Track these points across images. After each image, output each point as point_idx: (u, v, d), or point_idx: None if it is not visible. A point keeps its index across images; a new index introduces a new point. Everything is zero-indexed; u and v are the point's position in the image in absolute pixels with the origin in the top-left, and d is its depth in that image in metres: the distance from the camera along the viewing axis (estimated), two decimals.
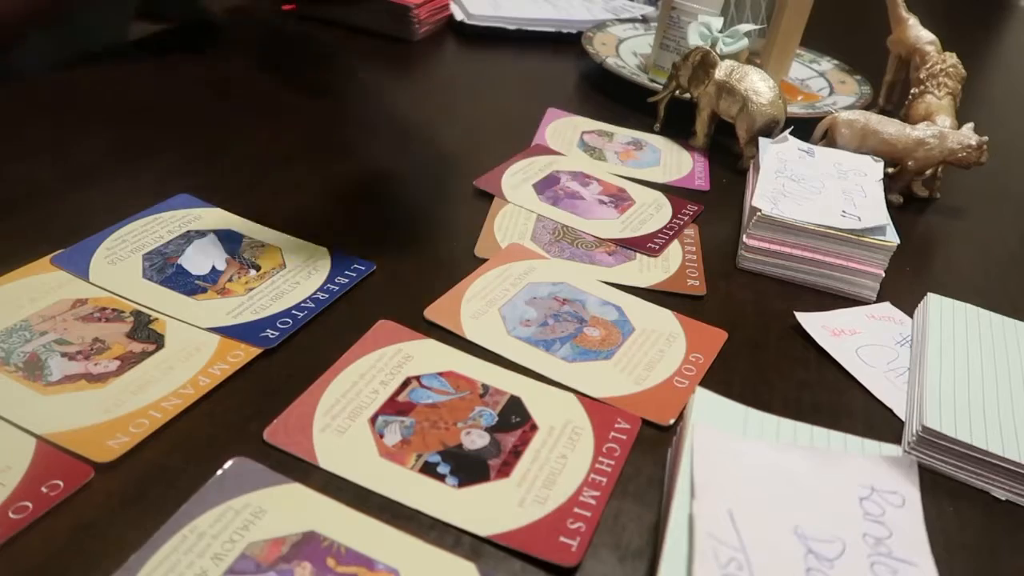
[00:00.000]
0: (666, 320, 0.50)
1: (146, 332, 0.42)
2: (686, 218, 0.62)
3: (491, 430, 0.39)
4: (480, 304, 0.48)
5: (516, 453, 0.38)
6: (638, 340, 0.47)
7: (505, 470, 0.37)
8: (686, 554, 0.31)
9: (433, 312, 0.47)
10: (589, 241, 0.57)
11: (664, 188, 0.67)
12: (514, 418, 0.40)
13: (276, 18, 0.92)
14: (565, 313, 0.48)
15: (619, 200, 0.64)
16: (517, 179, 0.63)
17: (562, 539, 0.34)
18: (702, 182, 0.69)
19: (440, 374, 0.42)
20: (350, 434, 0.38)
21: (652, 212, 0.63)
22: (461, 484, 0.36)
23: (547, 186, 0.63)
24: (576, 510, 0.36)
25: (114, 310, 0.44)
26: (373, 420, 0.39)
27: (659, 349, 0.47)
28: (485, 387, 0.42)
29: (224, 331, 0.43)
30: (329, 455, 0.36)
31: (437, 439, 0.38)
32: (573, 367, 0.44)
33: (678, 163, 0.71)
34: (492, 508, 0.35)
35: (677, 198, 0.65)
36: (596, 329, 0.48)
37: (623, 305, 0.50)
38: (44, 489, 0.33)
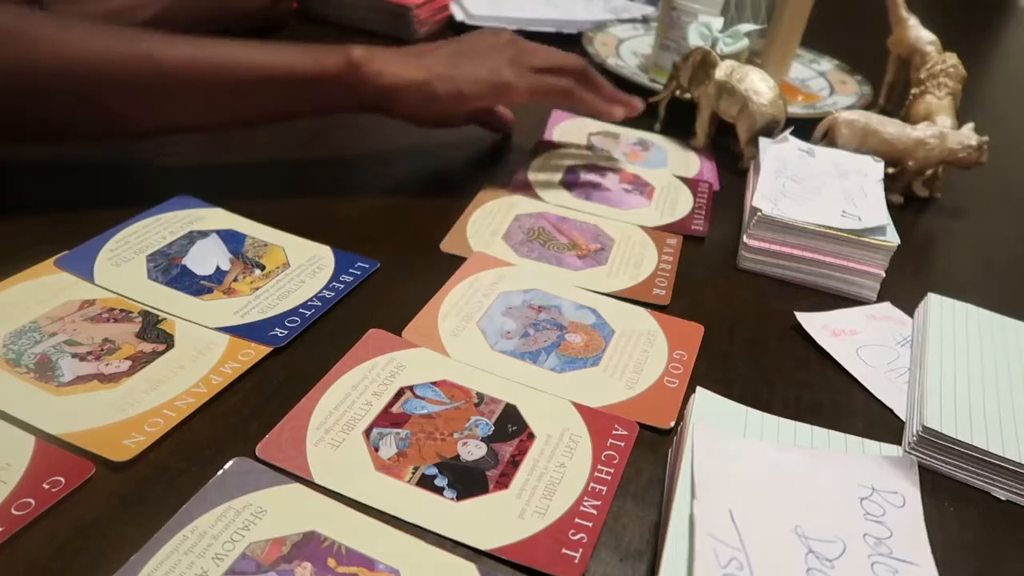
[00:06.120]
0: (642, 318, 0.50)
1: (155, 332, 0.43)
2: (705, 195, 0.65)
3: (488, 440, 0.39)
4: (457, 320, 0.47)
5: (514, 463, 0.38)
6: (620, 342, 0.47)
7: (504, 481, 0.37)
8: (687, 554, 0.31)
9: (411, 332, 0.46)
10: (561, 243, 0.56)
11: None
12: (511, 427, 0.40)
13: (291, 19, 0.92)
14: (544, 321, 0.48)
15: (641, 186, 0.65)
16: (543, 178, 0.64)
17: (564, 551, 0.34)
18: (712, 182, 0.69)
19: (434, 383, 0.42)
20: (344, 448, 0.37)
21: (674, 194, 0.65)
22: (460, 497, 0.36)
23: (574, 183, 0.64)
24: (577, 520, 0.35)
25: (122, 311, 0.44)
26: (367, 433, 0.38)
27: (643, 350, 0.47)
28: (480, 396, 0.42)
29: (233, 330, 0.43)
30: (324, 470, 0.36)
31: (433, 451, 0.38)
32: (563, 377, 0.44)
33: (685, 163, 0.71)
34: (492, 521, 0.35)
35: (687, 178, 0.68)
36: (577, 335, 0.47)
37: (598, 307, 0.50)
38: (46, 486, 0.33)
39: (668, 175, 0.68)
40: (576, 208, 0.61)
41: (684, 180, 0.68)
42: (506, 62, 0.59)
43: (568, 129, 0.75)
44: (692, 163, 0.72)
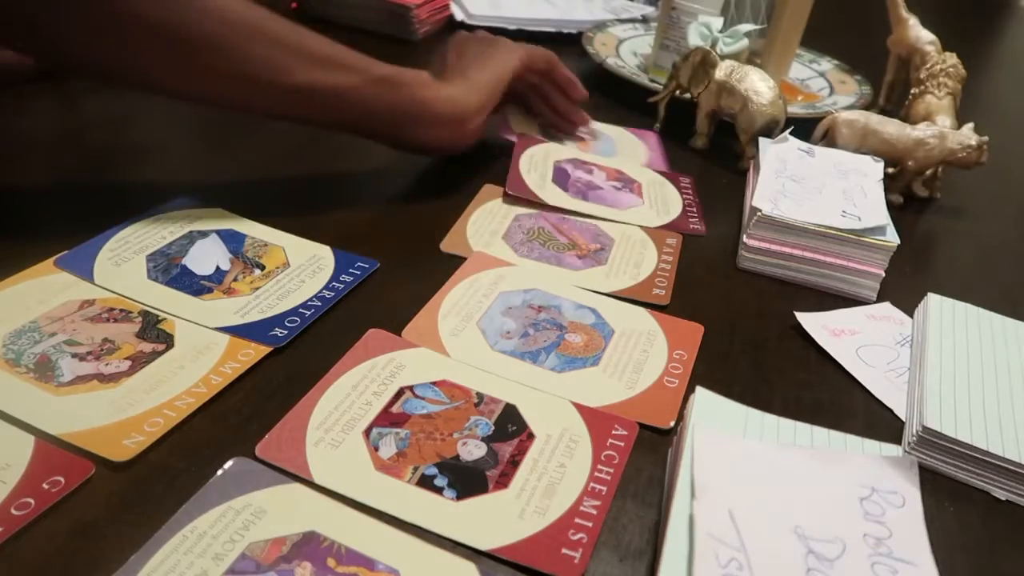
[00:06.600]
0: (642, 318, 0.50)
1: (155, 332, 0.43)
2: (689, 190, 0.66)
3: (488, 440, 0.39)
4: (456, 320, 0.47)
5: (514, 463, 0.38)
6: (620, 342, 0.47)
7: (503, 481, 0.37)
8: (686, 554, 0.31)
9: (411, 332, 0.46)
10: (561, 243, 0.56)
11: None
12: (510, 427, 0.40)
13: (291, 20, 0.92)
14: (543, 321, 0.48)
15: (628, 183, 0.66)
16: (535, 178, 0.63)
17: (564, 551, 0.34)
18: (664, 167, 0.71)
19: (433, 383, 0.42)
20: (344, 448, 0.37)
21: (660, 190, 0.66)
22: (459, 497, 0.36)
23: (564, 180, 0.64)
24: (577, 520, 0.35)
25: (122, 310, 0.44)
26: (367, 433, 0.38)
27: (642, 350, 0.47)
28: (480, 395, 0.42)
29: (233, 330, 0.43)
30: (324, 470, 0.36)
31: (433, 451, 0.38)
32: (563, 377, 0.44)
33: (634, 152, 0.72)
34: (492, 521, 0.35)
35: (667, 172, 0.69)
36: (577, 335, 0.47)
37: (598, 307, 0.50)
38: (45, 486, 0.33)
39: (650, 172, 0.68)
40: (574, 208, 0.61)
41: (664, 175, 0.68)
42: (502, 52, 0.64)
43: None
44: (640, 151, 0.72)
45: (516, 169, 0.64)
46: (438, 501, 0.35)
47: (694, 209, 0.64)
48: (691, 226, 0.61)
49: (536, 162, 0.66)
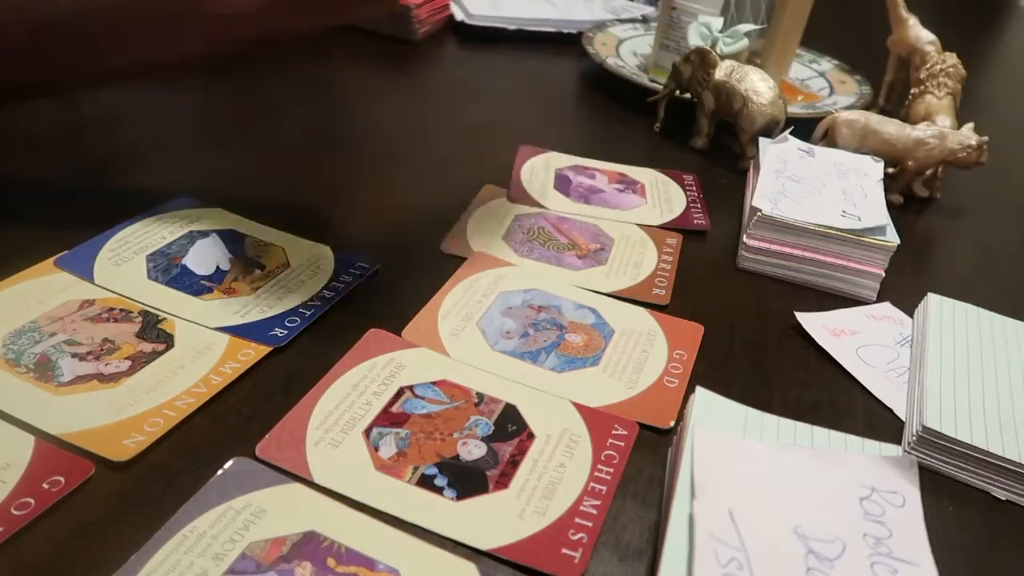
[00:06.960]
0: (641, 318, 0.50)
1: (155, 332, 0.43)
2: (693, 188, 0.67)
3: (488, 440, 0.39)
4: (456, 320, 0.47)
5: (514, 463, 0.38)
6: (620, 342, 0.47)
7: (504, 481, 0.37)
8: (686, 554, 0.31)
9: (411, 332, 0.46)
10: (561, 243, 0.56)
11: None
12: (510, 427, 0.40)
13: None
14: (543, 321, 0.48)
15: (630, 184, 0.66)
16: (536, 187, 0.63)
17: (564, 551, 0.34)
18: None
19: (434, 383, 0.42)
20: (344, 448, 0.37)
21: (664, 189, 0.66)
22: (459, 496, 0.36)
23: (566, 187, 0.64)
24: (577, 520, 0.35)
25: (122, 310, 0.44)
26: (367, 433, 0.38)
27: (642, 349, 0.47)
28: (480, 395, 0.42)
29: (233, 330, 0.43)
30: (323, 470, 0.36)
31: (433, 451, 0.38)
32: (563, 377, 0.44)
33: None
34: (492, 520, 0.35)
35: (667, 170, 0.70)
36: (577, 335, 0.47)
37: (598, 307, 0.50)
38: (45, 486, 0.33)
39: (652, 173, 0.68)
40: (578, 213, 0.61)
41: (667, 174, 0.68)
42: None
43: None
44: None
45: (517, 180, 0.64)
46: (438, 501, 0.35)
47: (698, 205, 0.64)
48: (695, 221, 0.61)
49: (536, 172, 0.66)
